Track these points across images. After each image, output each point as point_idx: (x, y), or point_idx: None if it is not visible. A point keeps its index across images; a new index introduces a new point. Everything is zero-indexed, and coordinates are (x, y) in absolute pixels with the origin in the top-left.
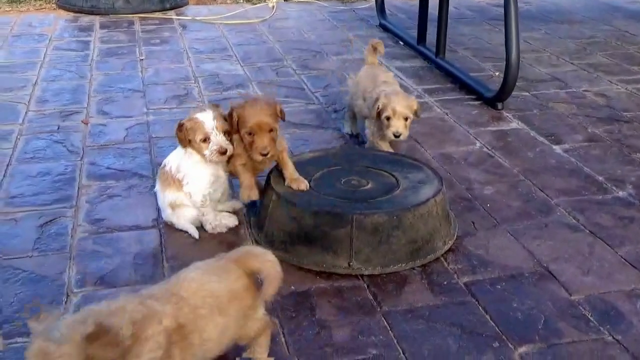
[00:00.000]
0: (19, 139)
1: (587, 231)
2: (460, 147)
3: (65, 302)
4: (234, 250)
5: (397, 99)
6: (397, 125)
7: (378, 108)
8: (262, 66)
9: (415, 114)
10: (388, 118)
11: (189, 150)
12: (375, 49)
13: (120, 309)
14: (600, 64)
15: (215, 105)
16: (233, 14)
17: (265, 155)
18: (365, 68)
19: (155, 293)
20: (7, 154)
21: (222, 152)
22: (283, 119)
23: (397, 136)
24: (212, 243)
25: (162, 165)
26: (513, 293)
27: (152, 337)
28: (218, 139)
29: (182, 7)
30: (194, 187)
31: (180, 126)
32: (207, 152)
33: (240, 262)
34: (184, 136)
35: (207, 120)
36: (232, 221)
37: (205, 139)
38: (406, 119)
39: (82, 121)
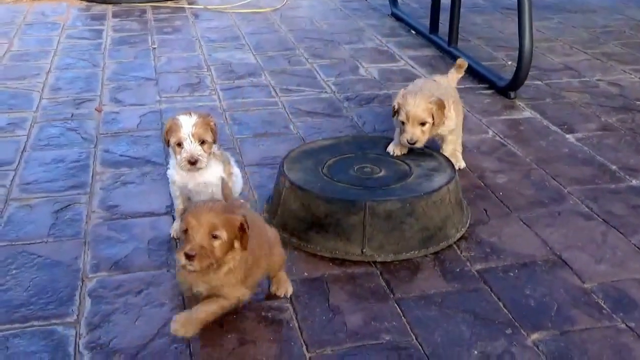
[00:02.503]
0: (33, 126)
1: (600, 219)
2: (472, 135)
3: (81, 287)
4: None
5: (413, 100)
6: (411, 132)
7: (394, 108)
8: (274, 55)
9: (433, 117)
10: (403, 122)
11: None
12: (460, 67)
13: None
14: (613, 53)
15: (205, 114)
16: (245, 2)
17: (190, 257)
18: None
19: None
20: (22, 141)
21: (192, 162)
22: (243, 245)
23: (411, 144)
24: None
25: None
26: (526, 280)
27: None
28: (191, 147)
29: None
30: (170, 188)
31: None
32: (178, 158)
33: None
34: (165, 135)
35: (186, 124)
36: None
37: (179, 144)
38: (423, 124)
39: (95, 109)
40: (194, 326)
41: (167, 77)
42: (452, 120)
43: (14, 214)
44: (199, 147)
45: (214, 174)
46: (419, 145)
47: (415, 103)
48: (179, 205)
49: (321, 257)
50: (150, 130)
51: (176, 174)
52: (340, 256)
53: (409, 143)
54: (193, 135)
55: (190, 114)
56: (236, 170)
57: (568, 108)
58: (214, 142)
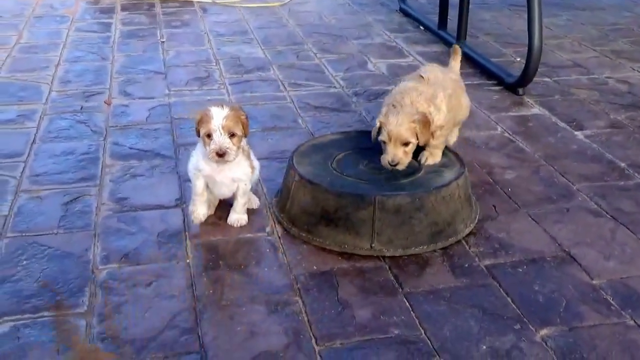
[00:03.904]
0: (42, 118)
1: (609, 216)
2: (481, 131)
3: (91, 279)
4: None
5: (395, 119)
6: (392, 153)
7: (376, 128)
8: (283, 49)
9: (417, 137)
10: (384, 142)
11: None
12: (456, 52)
13: None
14: (622, 50)
15: (237, 107)
16: None
17: None
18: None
19: None
20: (32, 133)
21: (220, 155)
22: None
23: (393, 165)
24: None
25: None
26: (534, 276)
27: None
28: (220, 139)
29: None
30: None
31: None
32: (206, 149)
33: None
34: (197, 126)
35: (217, 117)
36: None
37: (209, 135)
38: (406, 144)
39: (104, 102)
40: None
41: (176, 71)
42: (442, 113)
43: (24, 206)
44: (228, 140)
45: (243, 171)
46: (400, 167)
47: (397, 122)
48: (198, 187)
49: (330, 251)
50: (159, 124)
51: (204, 164)
52: (349, 250)
53: (390, 165)
54: (223, 128)
55: (222, 106)
56: (256, 163)
57: (577, 105)
58: (244, 135)
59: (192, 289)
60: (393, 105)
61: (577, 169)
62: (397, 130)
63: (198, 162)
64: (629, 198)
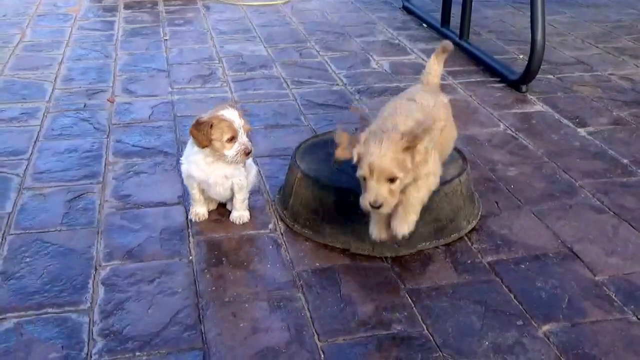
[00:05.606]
0: (46, 116)
1: (612, 213)
2: (484, 128)
3: (94, 275)
4: None
5: (378, 149)
6: (375, 192)
7: (355, 160)
8: (286, 47)
9: (411, 160)
10: (364, 178)
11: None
12: (443, 51)
13: None
14: (625, 47)
15: (237, 106)
16: None
17: None
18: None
19: None
20: (35, 131)
21: (247, 153)
22: None
23: (376, 207)
24: None
25: None
26: (537, 273)
27: None
28: (244, 139)
29: None
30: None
31: (200, 124)
32: (230, 152)
33: None
34: (206, 134)
35: (235, 118)
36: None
37: (232, 138)
38: (393, 180)
39: (107, 99)
40: None
41: (179, 69)
42: (433, 163)
43: (27, 203)
44: (247, 138)
45: (234, 166)
46: (385, 210)
47: (380, 152)
48: (195, 194)
49: (332, 248)
50: (162, 121)
51: (196, 169)
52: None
53: (371, 206)
54: (242, 128)
55: (228, 107)
56: (249, 161)
57: (580, 102)
58: None
59: (195, 285)
60: (374, 133)
61: (580, 165)
62: (380, 161)
63: (189, 169)
64: (631, 194)
